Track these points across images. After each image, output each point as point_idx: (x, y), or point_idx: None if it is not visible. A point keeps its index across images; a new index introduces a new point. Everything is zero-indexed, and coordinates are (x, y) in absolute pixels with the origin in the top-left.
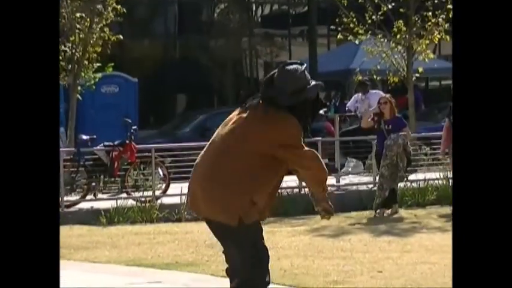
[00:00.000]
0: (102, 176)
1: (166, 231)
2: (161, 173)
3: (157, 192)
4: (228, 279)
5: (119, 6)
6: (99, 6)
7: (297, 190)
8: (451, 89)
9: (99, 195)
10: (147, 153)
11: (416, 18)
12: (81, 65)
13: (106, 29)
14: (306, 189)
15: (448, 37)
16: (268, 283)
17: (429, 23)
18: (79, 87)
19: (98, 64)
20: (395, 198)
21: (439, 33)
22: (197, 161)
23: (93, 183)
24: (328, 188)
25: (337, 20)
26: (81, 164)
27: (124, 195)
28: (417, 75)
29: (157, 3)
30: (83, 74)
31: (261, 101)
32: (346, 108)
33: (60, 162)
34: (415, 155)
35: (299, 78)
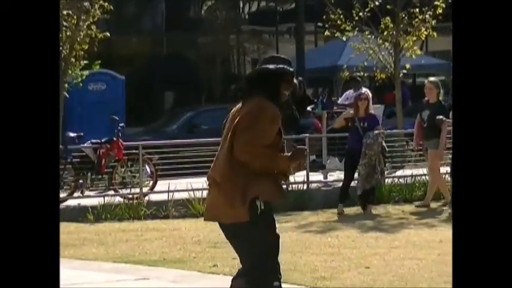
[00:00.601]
0: (89, 173)
1: (153, 228)
2: (148, 170)
3: (145, 189)
4: (214, 276)
5: (105, 4)
6: (86, 4)
7: (285, 186)
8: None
9: (87, 193)
10: (134, 151)
11: (404, 15)
12: (68, 62)
13: (93, 27)
14: (294, 186)
15: (435, 33)
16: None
17: (416, 20)
18: (66, 85)
19: (85, 61)
20: (372, 198)
21: (426, 30)
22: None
23: (81, 181)
24: (316, 185)
25: (324, 17)
26: (68, 162)
27: (111, 192)
28: (404, 71)
29: (144, 0)
30: (70, 72)
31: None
32: (338, 102)
33: None
34: (402, 151)
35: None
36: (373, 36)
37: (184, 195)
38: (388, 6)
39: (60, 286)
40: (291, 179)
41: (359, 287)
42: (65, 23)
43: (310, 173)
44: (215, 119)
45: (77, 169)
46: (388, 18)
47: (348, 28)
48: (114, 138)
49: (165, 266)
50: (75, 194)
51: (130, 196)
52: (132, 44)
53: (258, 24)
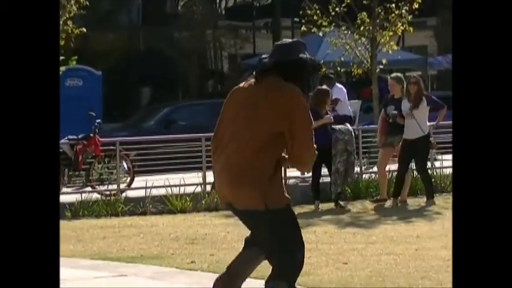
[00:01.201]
0: (66, 170)
1: (131, 224)
2: (126, 166)
3: (122, 186)
4: (192, 272)
5: None
6: None
7: None
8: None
9: (64, 189)
10: (111, 147)
11: (380, 10)
12: None
13: (69, 22)
14: None
15: (411, 29)
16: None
17: (392, 15)
18: None
19: (62, 57)
20: (344, 194)
21: (402, 25)
22: (214, 145)
23: None
24: (293, 180)
25: (301, 12)
26: None
27: (89, 188)
28: (381, 66)
29: None
30: None
31: (258, 76)
32: None
33: None
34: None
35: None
36: (349, 32)
37: (162, 191)
38: (365, 2)
39: None
40: None
41: (337, 282)
42: None
43: (288, 169)
44: (192, 115)
45: None
46: (364, 13)
47: (324, 23)
48: (91, 135)
49: (142, 262)
50: None
51: (107, 192)
52: (108, 39)
53: (235, 19)
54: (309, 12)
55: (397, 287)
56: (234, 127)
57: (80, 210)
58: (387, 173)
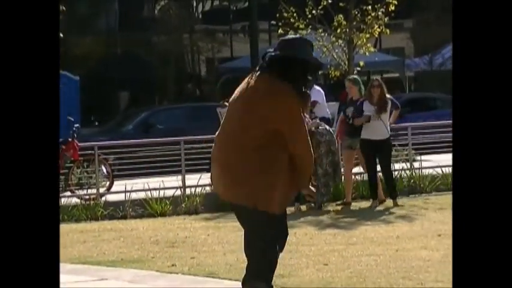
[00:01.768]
0: None
1: (111, 228)
2: (105, 170)
3: (102, 190)
4: (173, 275)
5: None
6: None
7: None
8: (392, 82)
9: None
10: (90, 151)
11: (356, 12)
12: None
13: None
14: None
15: (388, 30)
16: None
17: (369, 17)
18: None
19: None
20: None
21: (379, 27)
22: (217, 142)
23: None
24: None
25: (277, 15)
26: None
27: (68, 193)
28: (358, 68)
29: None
30: None
31: (259, 73)
32: None
33: None
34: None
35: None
36: (326, 34)
37: (141, 195)
38: (341, 4)
39: None
40: None
41: (317, 283)
42: None
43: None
44: (171, 119)
45: None
46: (341, 15)
47: (301, 26)
48: (70, 139)
49: (123, 266)
50: None
51: (87, 197)
52: (86, 44)
53: (212, 23)
54: (285, 15)
55: (378, 287)
56: (232, 124)
57: (60, 215)
58: (352, 177)
